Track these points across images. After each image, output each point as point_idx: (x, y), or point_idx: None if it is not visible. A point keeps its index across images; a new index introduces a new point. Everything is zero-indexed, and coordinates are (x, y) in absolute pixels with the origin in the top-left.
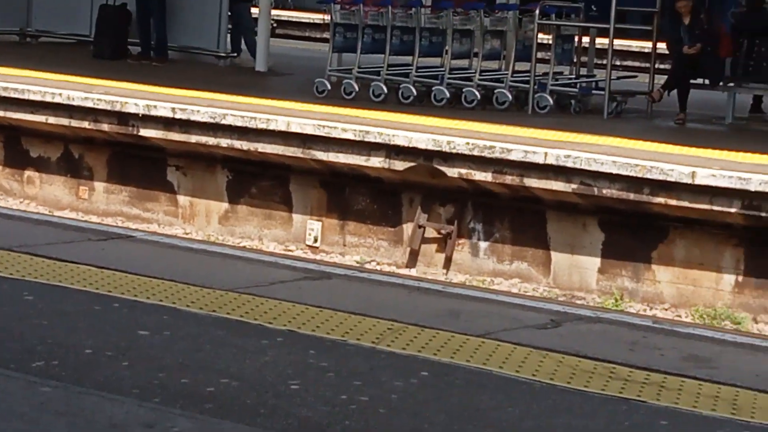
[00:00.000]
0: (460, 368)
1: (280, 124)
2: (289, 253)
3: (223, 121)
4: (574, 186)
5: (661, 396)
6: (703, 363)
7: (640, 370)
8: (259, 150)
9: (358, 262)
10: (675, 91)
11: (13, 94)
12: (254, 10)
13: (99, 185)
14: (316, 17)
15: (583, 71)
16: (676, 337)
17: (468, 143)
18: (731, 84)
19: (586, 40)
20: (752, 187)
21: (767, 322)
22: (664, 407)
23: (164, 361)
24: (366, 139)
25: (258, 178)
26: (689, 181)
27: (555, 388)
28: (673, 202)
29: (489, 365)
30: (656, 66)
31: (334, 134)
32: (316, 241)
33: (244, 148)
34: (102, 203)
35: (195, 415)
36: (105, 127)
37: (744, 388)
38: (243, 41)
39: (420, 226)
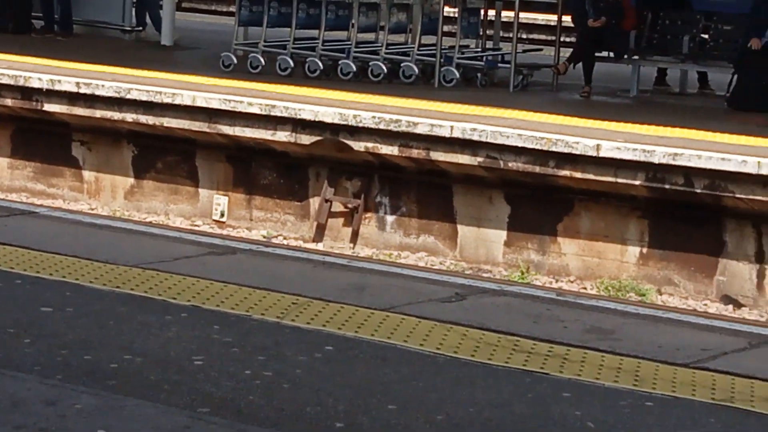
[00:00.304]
0: (364, 342)
1: (185, 98)
2: (196, 228)
3: (128, 96)
4: (480, 159)
5: (564, 368)
6: (605, 335)
7: (543, 343)
8: (165, 125)
9: (264, 237)
10: (580, 64)
11: None
12: None
13: (2, 161)
14: None
15: (489, 44)
16: (579, 310)
17: (374, 117)
18: (636, 57)
19: (492, 13)
20: (656, 160)
21: (671, 294)
22: (567, 379)
23: (67, 337)
24: (272, 114)
25: (164, 153)
26: (594, 153)
27: (459, 361)
28: (578, 174)
29: (393, 339)
30: (562, 39)
31: (240, 108)
32: (222, 215)
33: (150, 122)
34: (6, 179)
35: (98, 392)
36: (8, 102)
37: (646, 359)
38: (148, 15)
39: (327, 201)
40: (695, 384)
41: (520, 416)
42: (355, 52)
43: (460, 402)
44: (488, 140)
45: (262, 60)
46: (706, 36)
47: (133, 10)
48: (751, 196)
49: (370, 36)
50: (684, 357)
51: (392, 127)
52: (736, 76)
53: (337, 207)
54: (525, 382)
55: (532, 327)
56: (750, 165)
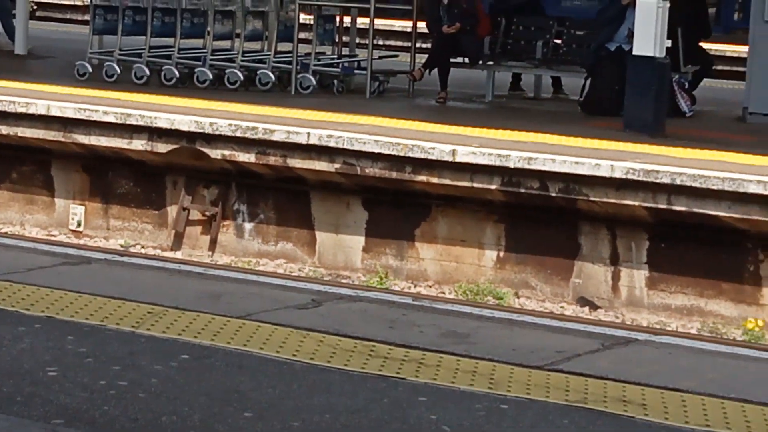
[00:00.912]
0: (220, 350)
1: (39, 107)
2: (52, 238)
3: None
4: (337, 166)
5: (420, 372)
6: (461, 339)
7: (399, 348)
8: (19, 134)
9: (122, 246)
10: (436, 70)
11: None
12: None
13: None
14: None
15: (346, 51)
16: (435, 314)
17: (231, 125)
18: (490, 62)
19: (347, 20)
20: (511, 164)
21: (529, 297)
22: (423, 383)
23: None
24: (128, 122)
25: (19, 163)
26: (450, 159)
27: (315, 367)
28: (434, 180)
29: (249, 347)
30: (417, 45)
31: (96, 117)
32: (79, 225)
33: (3, 132)
34: None
35: None
36: None
37: (501, 362)
38: (1, 24)
39: (184, 209)
40: (549, 386)
41: (376, 421)
42: (211, 59)
43: (317, 408)
44: (345, 147)
45: (117, 68)
46: (560, 41)
47: None
48: (604, 199)
49: (226, 44)
50: (538, 359)
51: (249, 135)
52: (589, 81)
53: (195, 215)
54: (381, 387)
55: (389, 332)
56: (603, 168)
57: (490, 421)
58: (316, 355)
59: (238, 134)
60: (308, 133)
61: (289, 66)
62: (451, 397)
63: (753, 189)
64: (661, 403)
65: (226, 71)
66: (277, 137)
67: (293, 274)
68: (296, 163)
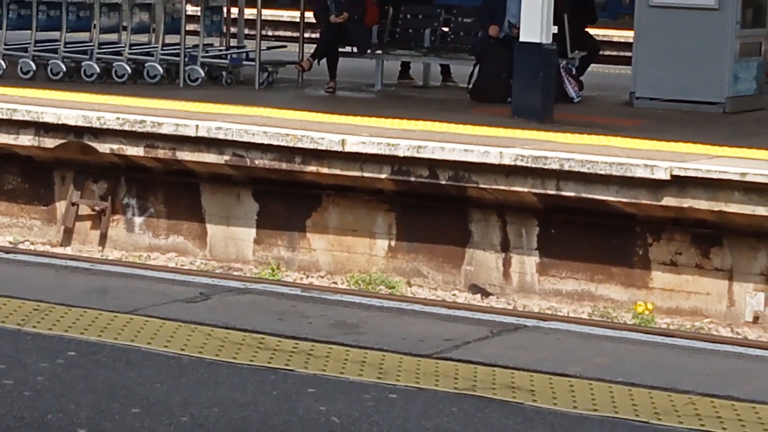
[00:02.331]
0: (107, 346)
1: None
2: None
3: None
4: (226, 158)
5: (309, 364)
6: (350, 329)
7: (288, 339)
8: None
9: (11, 243)
10: (325, 60)
11: None
12: None
13: None
14: None
15: (234, 42)
16: (324, 305)
17: (119, 118)
18: (379, 51)
19: (235, 11)
20: (401, 153)
21: (421, 285)
22: (312, 375)
23: None
24: (14, 117)
25: None
26: (340, 149)
27: (204, 361)
28: (324, 170)
29: (137, 342)
30: (306, 35)
31: None
32: None
33: None
34: None
35: None
36: None
37: (390, 351)
38: None
39: (73, 204)
40: (438, 374)
41: (265, 414)
42: (98, 53)
43: (205, 402)
44: (234, 138)
45: (3, 63)
46: (447, 29)
47: None
48: (494, 186)
49: (113, 37)
50: (428, 348)
51: (137, 128)
52: (477, 68)
53: (84, 210)
54: (270, 380)
55: (278, 324)
56: (492, 155)
57: (379, 411)
58: (204, 348)
59: (126, 128)
60: (197, 126)
61: (177, 58)
62: (341, 388)
63: (640, 173)
64: (550, 388)
65: (114, 64)
66: (165, 130)
67: (184, 267)
68: (185, 155)
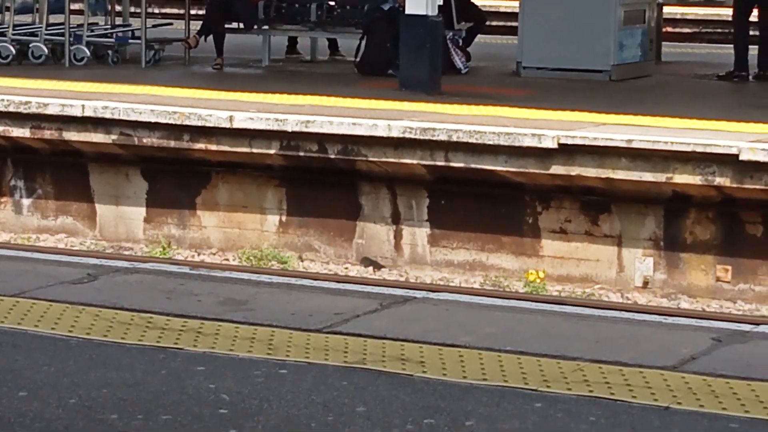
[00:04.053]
0: None
1: None
2: None
3: None
4: (114, 137)
5: (198, 342)
6: (239, 306)
7: (177, 318)
8: None
9: None
10: (211, 37)
11: None
12: None
13: None
14: None
15: (119, 21)
16: (213, 282)
17: (3, 100)
18: (265, 27)
19: None
20: (289, 128)
21: (313, 260)
22: (201, 353)
23: None
24: None
25: None
26: (228, 125)
27: (92, 342)
28: (213, 147)
29: (24, 325)
30: (191, 12)
31: None
32: None
33: None
34: None
35: None
36: None
37: (280, 327)
38: None
39: None
40: (328, 349)
41: (154, 393)
42: None
43: (93, 383)
44: (121, 117)
45: None
46: (333, 3)
47: None
48: (383, 159)
49: None
50: (317, 322)
51: (22, 109)
52: (363, 42)
53: None
54: (159, 359)
55: (166, 303)
56: (381, 128)
57: (269, 387)
58: (92, 329)
59: (11, 109)
60: (83, 105)
61: (62, 38)
62: (230, 365)
63: (528, 142)
64: (439, 359)
65: None
66: (51, 111)
67: (73, 248)
68: (72, 136)
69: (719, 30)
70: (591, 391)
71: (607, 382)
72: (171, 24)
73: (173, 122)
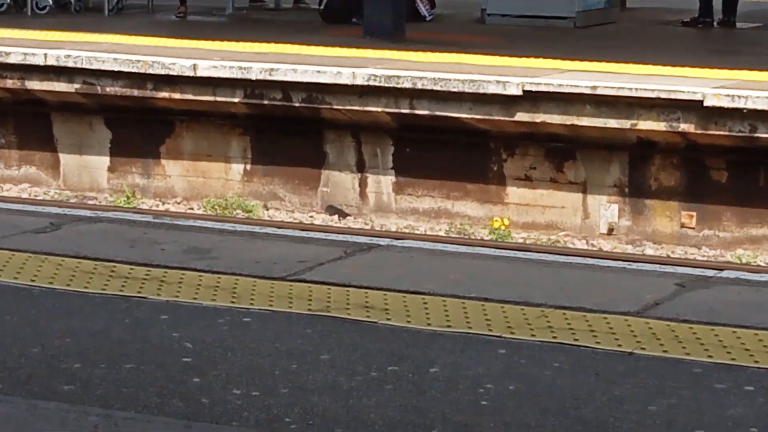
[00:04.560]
0: None
1: None
2: None
3: None
4: (77, 86)
5: (161, 291)
6: (203, 254)
7: (140, 267)
8: None
9: None
10: None
11: None
12: None
13: None
14: None
15: None
16: (177, 231)
17: None
18: None
19: None
20: (253, 76)
21: (278, 208)
22: (165, 301)
23: None
24: None
25: None
26: (191, 74)
27: (54, 291)
28: (177, 95)
29: None
30: None
31: None
32: None
33: None
34: None
35: None
36: None
37: (243, 275)
38: None
39: None
40: (292, 296)
41: (117, 342)
42: None
43: (57, 333)
44: (84, 66)
45: None
46: None
47: None
48: (348, 107)
49: None
50: (281, 270)
51: None
52: None
53: None
54: (122, 308)
55: (129, 252)
56: (345, 76)
57: (233, 335)
58: (55, 279)
59: None
60: (45, 54)
61: None
62: (194, 314)
63: (492, 89)
64: (403, 306)
65: None
66: (13, 59)
67: (37, 198)
68: (35, 85)
69: None
70: (555, 337)
71: (571, 328)
72: None
73: (136, 71)
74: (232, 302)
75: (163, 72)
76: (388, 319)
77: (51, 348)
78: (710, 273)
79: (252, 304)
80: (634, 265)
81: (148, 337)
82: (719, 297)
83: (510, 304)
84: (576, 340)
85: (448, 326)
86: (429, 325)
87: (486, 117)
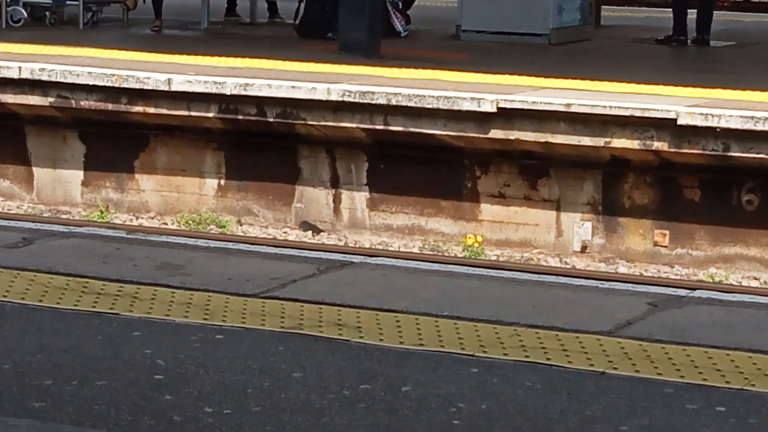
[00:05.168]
0: None
1: None
2: None
3: None
4: (51, 99)
5: (134, 307)
6: (176, 270)
7: (113, 283)
8: None
9: None
10: None
11: None
12: None
13: None
14: None
15: None
16: (150, 247)
17: None
18: None
19: None
20: (228, 91)
21: (252, 224)
22: (138, 318)
23: None
24: None
25: None
26: (166, 88)
27: (26, 307)
28: (151, 110)
29: None
30: None
31: None
32: None
33: None
34: None
35: None
36: None
37: (216, 292)
38: None
39: None
40: (265, 314)
41: (89, 359)
42: None
43: (28, 349)
44: (58, 80)
45: None
46: None
47: None
48: (322, 123)
49: None
50: (254, 287)
51: None
52: (302, 5)
53: None
54: (95, 324)
55: (102, 267)
56: (320, 92)
57: (205, 353)
58: (27, 294)
59: None
60: (20, 67)
61: None
62: (166, 331)
63: (467, 106)
64: (376, 324)
65: None
66: None
67: (11, 212)
68: (8, 98)
69: None
70: (527, 356)
71: (544, 347)
72: None
73: (111, 85)
74: (205, 319)
75: (137, 86)
76: (361, 337)
77: (22, 364)
78: (683, 293)
79: (224, 321)
80: (607, 284)
81: (121, 353)
82: (691, 317)
83: (483, 323)
84: (548, 359)
85: (421, 344)
86: (402, 343)
87: (460, 134)
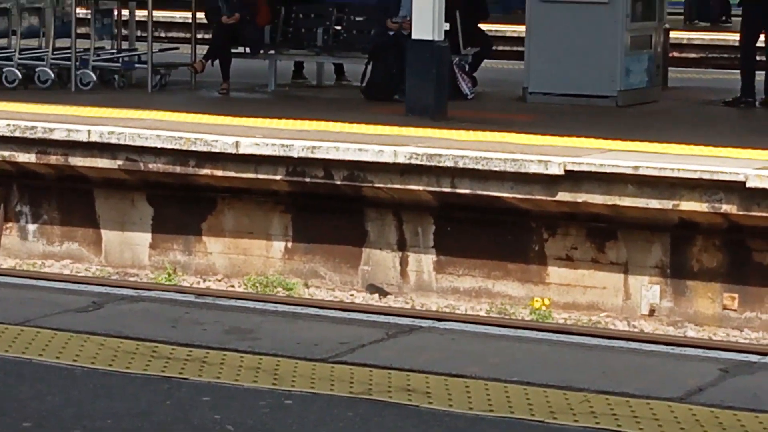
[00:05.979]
0: None
1: None
2: None
3: None
4: (120, 162)
5: (203, 371)
6: (245, 335)
7: (182, 347)
8: None
9: None
10: (218, 61)
11: None
12: None
13: None
14: None
15: (126, 45)
16: (219, 311)
17: (9, 125)
18: (272, 51)
19: (126, 12)
20: (295, 154)
21: (318, 286)
22: (207, 383)
23: None
24: None
25: None
26: (234, 151)
27: (96, 371)
28: (219, 172)
29: (28, 354)
30: (198, 36)
31: None
32: None
33: None
34: None
35: None
36: None
37: (285, 357)
38: None
39: None
40: (334, 378)
41: (159, 424)
42: None
43: (98, 414)
44: (127, 143)
45: None
46: (340, 28)
47: None
48: (389, 185)
49: (3, 42)
50: (323, 352)
51: (28, 135)
52: (370, 66)
53: None
54: (164, 389)
55: (171, 332)
56: (387, 154)
57: (274, 418)
58: (97, 359)
59: (17, 134)
60: (89, 131)
61: (68, 62)
62: (235, 395)
63: (534, 169)
64: (445, 390)
65: (4, 70)
66: (57, 136)
67: (79, 274)
68: (78, 161)
69: (726, 55)
70: (597, 423)
71: (614, 413)
72: (177, 48)
73: (179, 147)
74: (274, 384)
75: (205, 149)
76: (430, 403)
77: (93, 429)
78: (754, 358)
79: (293, 386)
80: (677, 350)
81: (190, 418)
82: (763, 383)
83: (552, 389)
84: (619, 426)
85: (491, 410)
86: (471, 409)
87: (527, 196)
